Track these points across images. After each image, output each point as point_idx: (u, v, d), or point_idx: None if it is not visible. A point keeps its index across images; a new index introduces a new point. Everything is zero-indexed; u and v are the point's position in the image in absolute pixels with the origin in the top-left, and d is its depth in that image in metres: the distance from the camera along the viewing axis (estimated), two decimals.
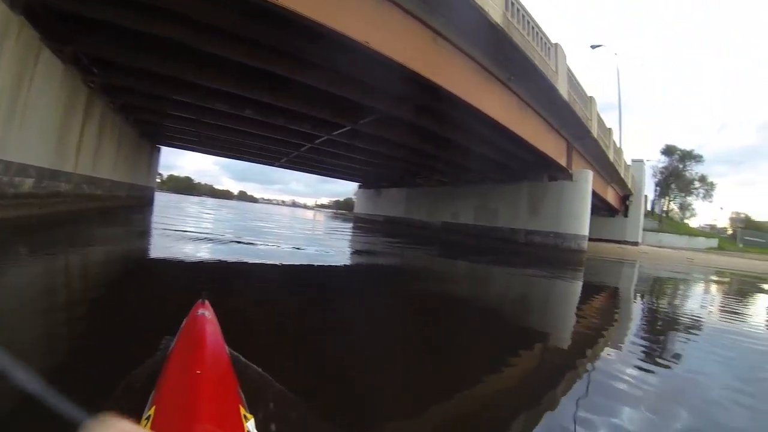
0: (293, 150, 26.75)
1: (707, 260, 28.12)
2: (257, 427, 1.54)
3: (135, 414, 1.50)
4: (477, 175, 26.83)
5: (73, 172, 13.92)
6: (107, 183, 17.90)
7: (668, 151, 54.25)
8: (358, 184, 50.66)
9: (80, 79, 13.73)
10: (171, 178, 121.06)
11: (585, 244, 22.48)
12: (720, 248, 42.43)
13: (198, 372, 1.64)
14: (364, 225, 40.93)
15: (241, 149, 30.35)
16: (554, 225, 22.88)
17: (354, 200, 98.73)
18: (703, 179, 54.29)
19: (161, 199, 36.30)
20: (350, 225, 40.34)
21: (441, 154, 21.35)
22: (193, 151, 36.97)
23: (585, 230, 22.57)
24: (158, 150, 33.18)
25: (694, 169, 54.24)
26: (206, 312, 2.44)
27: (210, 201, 67.93)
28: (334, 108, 16.14)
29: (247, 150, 30.46)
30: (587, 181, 22.74)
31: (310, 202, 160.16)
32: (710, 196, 54.81)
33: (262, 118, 18.01)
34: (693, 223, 57.71)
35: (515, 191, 25.53)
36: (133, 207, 21.90)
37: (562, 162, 21.15)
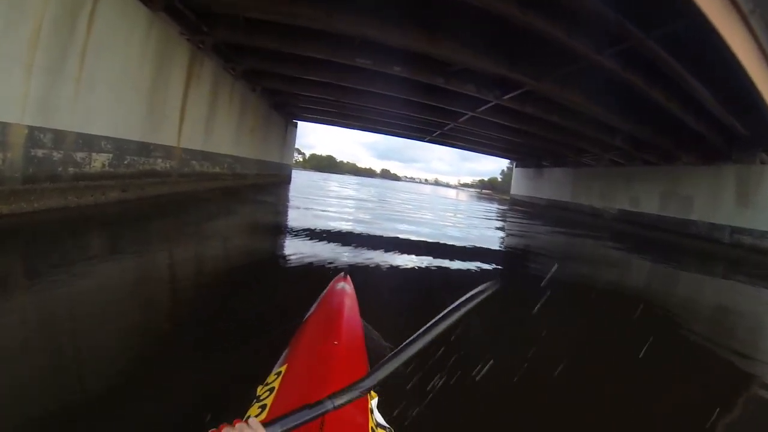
0: (449, 121, 22.65)
1: None
2: (378, 406, 1.55)
3: (266, 366, 1.78)
4: (662, 153, 21.72)
5: (174, 146, 11.15)
6: (227, 159, 15.36)
7: None
8: (514, 162, 45.41)
9: (179, 32, 11.03)
10: (313, 156, 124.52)
11: None
12: None
13: (335, 342, 1.73)
14: (523, 209, 35.89)
15: (386, 121, 26.87)
16: None
17: (499, 179, 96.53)
18: None
19: (300, 178, 34.69)
20: (504, 208, 36.17)
21: (624, 121, 16.86)
22: (332, 125, 34.27)
23: None
24: (294, 125, 30.80)
25: None
26: (346, 286, 2.63)
27: (353, 179, 67.58)
28: (510, 59, 12.50)
29: (393, 122, 26.88)
30: None
31: (453, 180, 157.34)
32: None
33: (415, 77, 14.59)
34: None
35: (716, 175, 20.04)
36: (262, 187, 19.35)
37: None
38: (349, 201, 19.90)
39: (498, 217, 25.16)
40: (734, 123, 15.51)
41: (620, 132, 19.11)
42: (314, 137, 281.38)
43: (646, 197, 24.58)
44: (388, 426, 1.48)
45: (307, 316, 2.34)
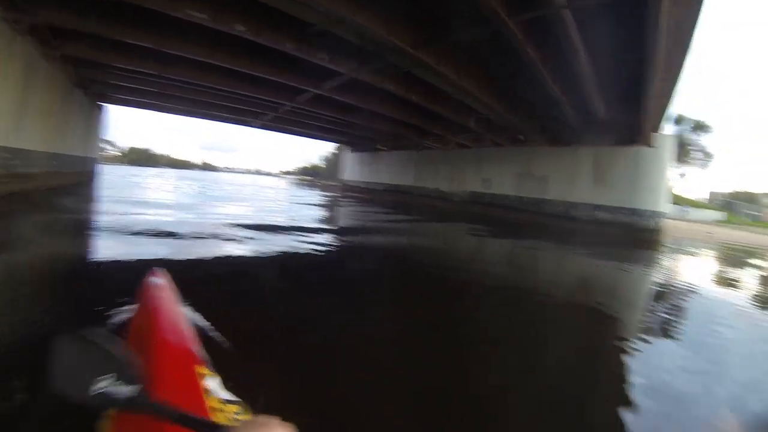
0: (285, 102, 19.37)
1: (728, 235, 27.51)
2: (223, 384, 1.55)
3: None
4: (511, 136, 22.20)
5: None
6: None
7: (679, 120, 49.59)
8: (349, 146, 42.03)
9: None
10: (131, 150, 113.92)
11: (662, 223, 19.31)
12: (729, 221, 42.43)
13: (155, 335, 1.70)
14: (360, 196, 33.78)
15: (215, 104, 22.22)
16: (629, 200, 19.42)
17: (322, 166, 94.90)
18: (702, 149, 50.47)
19: (112, 174, 29.32)
20: (335, 195, 33.78)
21: (494, 101, 15.42)
22: (150, 109, 27.73)
23: (663, 206, 19.48)
24: (100, 109, 25.00)
25: (703, 140, 50.46)
26: (161, 279, 2.52)
27: (170, 172, 61.18)
28: (396, 18, 10.23)
29: (222, 104, 22.37)
30: (666, 149, 19.42)
31: (274, 169, 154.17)
32: (707, 166, 51.55)
33: (258, 38, 11.32)
34: (688, 194, 54.91)
35: (572, 156, 21.35)
36: (47, 194, 13.63)
37: (647, 120, 16.86)
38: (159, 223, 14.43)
39: (333, 208, 22.77)
40: (600, 107, 15.65)
41: (476, 114, 18.12)
42: (129, 128, 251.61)
43: (499, 179, 24.73)
44: (238, 399, 1.46)
45: (129, 319, 2.25)
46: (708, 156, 50.53)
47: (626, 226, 18.99)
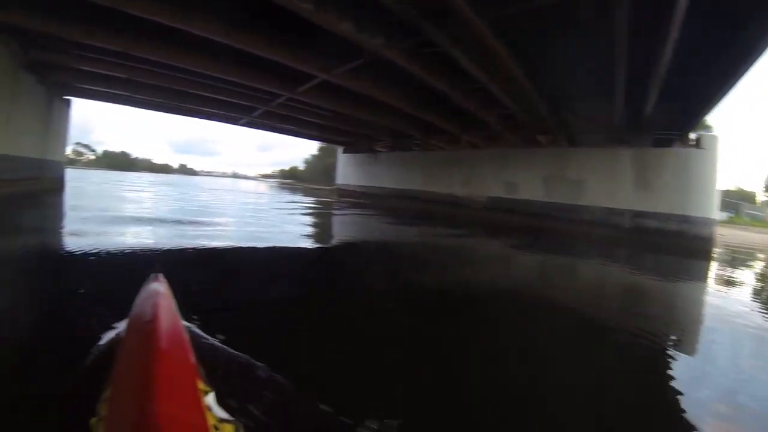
0: (284, 92, 16.22)
1: (738, 236, 27.48)
2: (218, 400, 1.50)
3: (95, 393, 1.59)
4: (526, 136, 19.67)
5: None
6: None
7: None
8: (341, 148, 38.17)
9: None
10: (106, 154, 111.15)
11: (715, 231, 17.27)
12: (732, 222, 40.97)
13: (152, 349, 1.59)
14: (366, 203, 30.43)
15: (194, 95, 18.40)
16: (680, 206, 17.15)
17: (300, 169, 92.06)
18: None
19: (86, 181, 27.35)
20: (338, 204, 30.29)
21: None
22: (118, 102, 22.60)
23: (715, 212, 17.67)
24: (67, 103, 20.82)
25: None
26: (159, 286, 2.40)
27: (149, 177, 59.39)
28: None
29: (206, 96, 18.48)
30: (716, 149, 17.29)
31: (251, 172, 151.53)
32: None
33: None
34: None
35: (612, 158, 18.86)
36: None
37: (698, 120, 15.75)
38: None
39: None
40: (652, 101, 13.08)
41: (500, 107, 15.54)
42: (105, 131, 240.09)
43: (527, 183, 21.98)
44: (233, 419, 1.43)
45: (124, 328, 2.17)
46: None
47: (677, 235, 16.91)
